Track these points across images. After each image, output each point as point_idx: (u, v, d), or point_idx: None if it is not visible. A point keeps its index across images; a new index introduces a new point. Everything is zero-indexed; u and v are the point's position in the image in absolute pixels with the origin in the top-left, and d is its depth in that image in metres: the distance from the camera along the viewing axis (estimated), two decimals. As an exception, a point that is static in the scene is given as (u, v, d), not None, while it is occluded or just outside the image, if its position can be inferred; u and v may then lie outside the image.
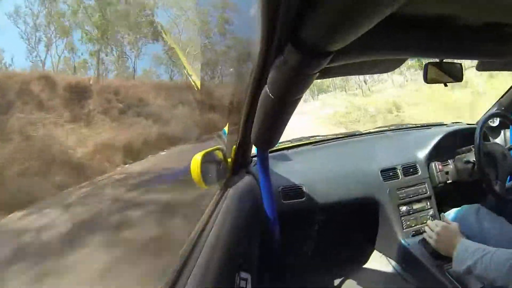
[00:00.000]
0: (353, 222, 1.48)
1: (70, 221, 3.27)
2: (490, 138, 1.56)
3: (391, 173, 1.33)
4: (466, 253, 0.82)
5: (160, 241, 2.63)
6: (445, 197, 1.39)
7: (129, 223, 3.22)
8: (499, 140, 1.60)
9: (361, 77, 12.00)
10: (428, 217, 1.32)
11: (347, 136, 1.62)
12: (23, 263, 2.66)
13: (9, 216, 3.43)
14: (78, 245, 2.78)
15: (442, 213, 1.16)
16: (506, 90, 1.51)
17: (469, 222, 1.04)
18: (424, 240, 1.21)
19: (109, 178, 4.56)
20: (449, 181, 1.34)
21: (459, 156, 1.34)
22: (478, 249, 0.80)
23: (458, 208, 1.14)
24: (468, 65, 2.86)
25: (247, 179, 1.05)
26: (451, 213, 1.15)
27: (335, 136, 1.62)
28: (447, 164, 1.37)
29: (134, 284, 2.11)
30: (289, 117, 0.67)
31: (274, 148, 1.42)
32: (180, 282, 0.49)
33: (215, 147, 0.92)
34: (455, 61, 0.99)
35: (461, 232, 0.93)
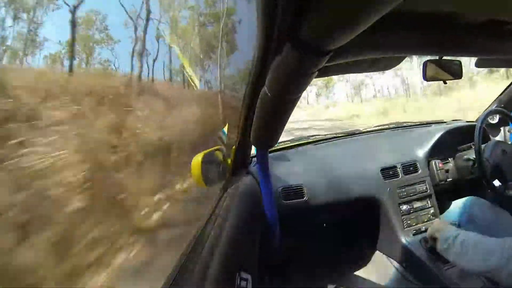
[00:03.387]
0: (354, 222, 1.47)
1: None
2: (490, 135, 1.56)
3: (391, 172, 1.33)
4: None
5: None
6: (445, 196, 1.38)
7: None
8: (499, 137, 1.59)
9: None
10: (429, 215, 1.32)
11: (347, 135, 1.62)
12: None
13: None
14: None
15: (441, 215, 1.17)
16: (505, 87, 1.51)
17: (472, 213, 1.05)
18: (424, 239, 1.21)
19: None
20: (450, 179, 1.33)
21: (459, 153, 1.34)
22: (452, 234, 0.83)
23: (464, 199, 1.14)
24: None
25: (247, 179, 1.04)
26: (457, 202, 1.15)
27: (334, 135, 1.62)
28: (447, 162, 1.36)
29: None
30: (288, 117, 0.66)
31: (274, 148, 1.41)
32: (180, 282, 0.49)
33: (215, 147, 0.92)
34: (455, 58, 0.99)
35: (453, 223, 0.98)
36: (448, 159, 1.37)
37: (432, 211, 1.32)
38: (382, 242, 1.41)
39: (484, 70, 10.27)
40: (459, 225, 1.09)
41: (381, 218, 1.36)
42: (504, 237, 0.76)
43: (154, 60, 7.52)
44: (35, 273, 2.23)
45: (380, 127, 1.72)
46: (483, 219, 1.02)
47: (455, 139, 1.42)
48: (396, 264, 1.33)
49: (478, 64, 1.10)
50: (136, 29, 6.91)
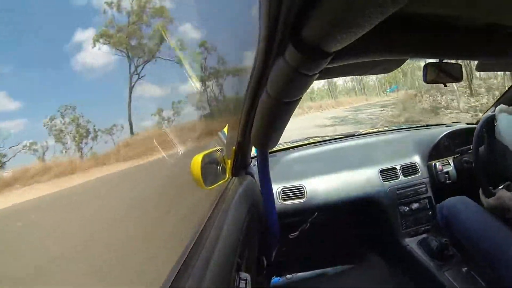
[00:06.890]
0: (353, 222, 1.48)
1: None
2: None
3: (390, 173, 1.33)
4: None
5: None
6: (444, 198, 1.39)
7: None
8: None
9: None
10: (427, 217, 1.32)
11: (346, 137, 1.62)
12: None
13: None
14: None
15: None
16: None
17: (458, 211, 1.05)
18: (423, 240, 1.21)
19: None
20: (449, 181, 1.33)
21: (458, 156, 1.34)
22: None
23: (454, 197, 1.14)
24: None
25: (247, 180, 1.04)
26: (446, 201, 1.16)
27: (334, 137, 1.62)
28: (447, 164, 1.37)
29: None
30: (289, 118, 0.67)
31: (274, 149, 1.41)
32: (179, 282, 0.49)
33: (215, 148, 0.91)
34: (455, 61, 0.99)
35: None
36: (448, 162, 1.37)
37: (430, 213, 1.32)
38: (381, 243, 1.41)
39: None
40: (445, 222, 1.10)
41: (380, 219, 1.36)
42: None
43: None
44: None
45: (380, 129, 1.72)
46: (466, 218, 1.03)
47: (455, 141, 1.42)
48: (394, 265, 1.33)
49: (478, 68, 1.10)
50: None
